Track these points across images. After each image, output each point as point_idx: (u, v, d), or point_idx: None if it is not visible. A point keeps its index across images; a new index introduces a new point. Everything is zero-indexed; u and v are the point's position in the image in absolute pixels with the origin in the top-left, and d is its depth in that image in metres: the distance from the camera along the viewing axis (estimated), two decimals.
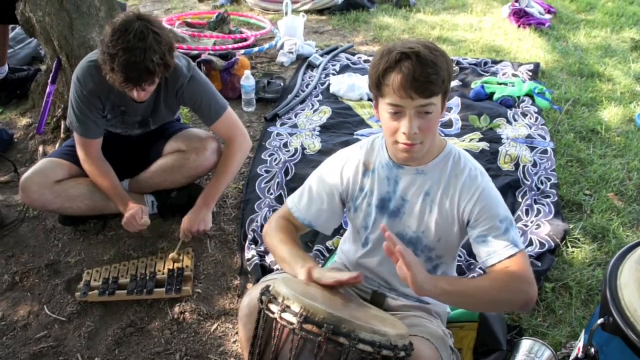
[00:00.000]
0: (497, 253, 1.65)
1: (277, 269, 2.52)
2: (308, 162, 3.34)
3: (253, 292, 1.72)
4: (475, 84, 4.20)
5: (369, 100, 4.08)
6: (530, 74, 4.45)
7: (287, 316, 1.43)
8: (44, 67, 3.95)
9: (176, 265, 2.58)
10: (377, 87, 1.61)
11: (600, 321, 1.56)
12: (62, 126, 3.46)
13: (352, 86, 4.15)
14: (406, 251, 1.50)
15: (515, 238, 1.67)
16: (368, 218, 1.86)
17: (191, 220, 2.67)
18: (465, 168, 1.74)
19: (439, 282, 1.57)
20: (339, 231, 2.72)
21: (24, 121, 3.79)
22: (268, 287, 1.57)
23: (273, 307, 1.48)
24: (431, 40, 5.02)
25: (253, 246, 2.72)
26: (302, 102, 4.09)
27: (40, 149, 3.45)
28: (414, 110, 1.58)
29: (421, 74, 1.52)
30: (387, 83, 1.57)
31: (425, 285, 1.51)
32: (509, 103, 4.00)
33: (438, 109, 1.61)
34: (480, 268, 2.49)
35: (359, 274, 1.60)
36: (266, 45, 4.80)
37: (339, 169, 1.87)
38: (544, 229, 2.82)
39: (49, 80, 3.47)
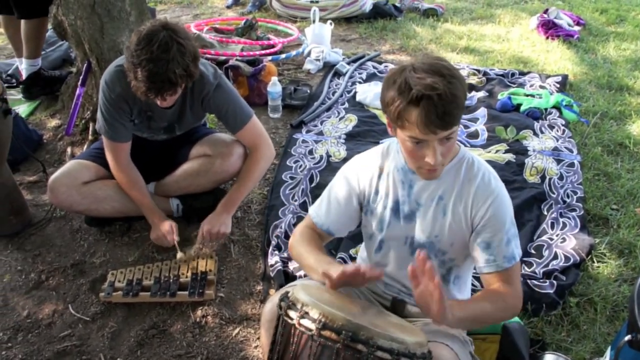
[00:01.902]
0: (496, 263, 1.72)
1: (300, 276, 2.54)
2: (333, 170, 3.34)
3: (275, 298, 1.74)
4: (502, 95, 4.18)
5: None
6: (558, 85, 4.41)
7: (306, 322, 1.44)
8: (74, 70, 4.00)
9: (200, 268, 2.60)
10: (397, 119, 1.58)
11: (627, 338, 1.55)
12: (90, 128, 3.51)
13: (378, 94, 4.10)
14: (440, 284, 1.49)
15: (514, 251, 1.74)
16: (382, 221, 1.87)
17: (211, 223, 2.69)
18: (479, 172, 1.74)
19: (454, 310, 1.59)
20: (361, 239, 2.72)
21: (53, 122, 3.85)
22: (287, 293, 1.58)
23: (292, 313, 1.49)
24: (457, 51, 5.08)
25: (276, 252, 2.72)
26: (328, 109, 4.10)
27: (68, 150, 3.50)
28: (437, 141, 1.58)
29: (444, 112, 1.50)
30: (408, 119, 1.55)
31: (448, 316, 1.53)
32: (536, 115, 3.97)
33: (456, 131, 1.61)
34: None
35: (380, 273, 1.61)
36: (293, 52, 4.82)
37: (355, 173, 1.89)
38: (569, 242, 2.79)
39: (79, 83, 3.53)
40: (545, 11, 5.77)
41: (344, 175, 1.93)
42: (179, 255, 2.60)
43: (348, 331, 1.38)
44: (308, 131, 3.83)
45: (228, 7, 6.40)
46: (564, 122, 3.89)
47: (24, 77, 4.08)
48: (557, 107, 4.06)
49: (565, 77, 4.58)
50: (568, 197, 3.13)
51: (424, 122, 1.52)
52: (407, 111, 1.54)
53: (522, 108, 4.04)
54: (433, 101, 1.49)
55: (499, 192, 1.73)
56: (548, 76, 4.59)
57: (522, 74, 4.66)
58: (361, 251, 2.15)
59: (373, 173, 1.86)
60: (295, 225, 2.58)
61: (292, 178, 3.29)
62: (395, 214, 1.84)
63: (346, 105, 4.17)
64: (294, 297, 1.52)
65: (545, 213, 3.02)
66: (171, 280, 2.54)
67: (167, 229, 2.64)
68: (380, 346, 1.38)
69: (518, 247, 1.76)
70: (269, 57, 4.57)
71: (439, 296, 1.46)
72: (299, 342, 1.46)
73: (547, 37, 5.46)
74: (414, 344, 1.44)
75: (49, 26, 3.87)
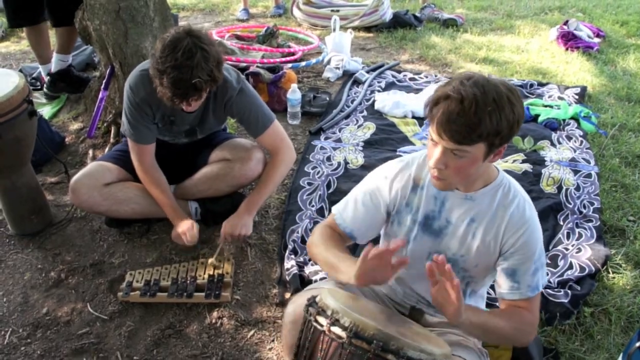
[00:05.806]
0: (520, 292, 1.72)
1: (315, 280, 2.56)
2: (350, 177, 3.37)
3: (298, 300, 1.75)
4: None
5: (413, 117, 4.10)
6: (577, 97, 4.40)
7: (336, 330, 1.44)
8: (97, 74, 4.07)
9: (216, 271, 2.63)
10: (429, 109, 1.60)
11: (638, 344, 1.55)
12: (112, 131, 3.57)
13: (396, 103, 4.17)
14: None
15: (539, 281, 1.73)
16: (410, 233, 1.86)
17: (232, 225, 2.71)
18: (514, 200, 1.73)
19: (467, 311, 1.60)
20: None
21: (76, 125, 3.91)
22: (314, 297, 1.58)
23: (321, 320, 1.49)
24: (477, 61, 5.08)
25: (292, 256, 2.75)
26: (347, 117, 4.13)
27: (90, 152, 3.56)
28: (443, 148, 1.58)
29: (455, 120, 1.50)
30: (432, 112, 1.57)
31: (462, 316, 1.56)
32: (554, 125, 3.97)
33: (473, 155, 1.57)
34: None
35: (406, 259, 1.61)
36: (313, 60, 4.86)
37: (389, 181, 1.87)
38: (585, 252, 2.79)
39: (102, 86, 3.59)
40: (565, 23, 5.76)
41: (375, 180, 1.91)
42: (210, 261, 2.65)
43: (379, 341, 1.39)
44: (326, 138, 3.86)
45: (239, 20, 6.39)
46: (581, 133, 3.89)
47: (52, 69, 4.16)
48: (575, 118, 4.05)
49: (584, 88, 4.57)
50: (584, 207, 3.13)
51: (437, 119, 1.54)
52: (435, 105, 1.56)
53: (540, 119, 4.04)
54: (452, 104, 1.50)
55: (532, 222, 1.72)
56: (567, 87, 4.59)
57: (541, 84, 4.66)
58: None
59: (407, 184, 1.85)
60: (312, 230, 2.59)
61: (309, 184, 3.31)
62: (423, 228, 1.83)
63: (365, 113, 4.20)
64: (323, 303, 1.52)
65: (561, 223, 3.02)
66: (188, 282, 2.57)
67: (185, 227, 2.66)
68: (410, 357, 1.39)
69: (544, 276, 1.75)
70: (289, 65, 4.62)
71: (455, 297, 1.49)
72: (328, 349, 1.46)
73: (567, 49, 5.46)
74: (440, 356, 1.44)
75: None
